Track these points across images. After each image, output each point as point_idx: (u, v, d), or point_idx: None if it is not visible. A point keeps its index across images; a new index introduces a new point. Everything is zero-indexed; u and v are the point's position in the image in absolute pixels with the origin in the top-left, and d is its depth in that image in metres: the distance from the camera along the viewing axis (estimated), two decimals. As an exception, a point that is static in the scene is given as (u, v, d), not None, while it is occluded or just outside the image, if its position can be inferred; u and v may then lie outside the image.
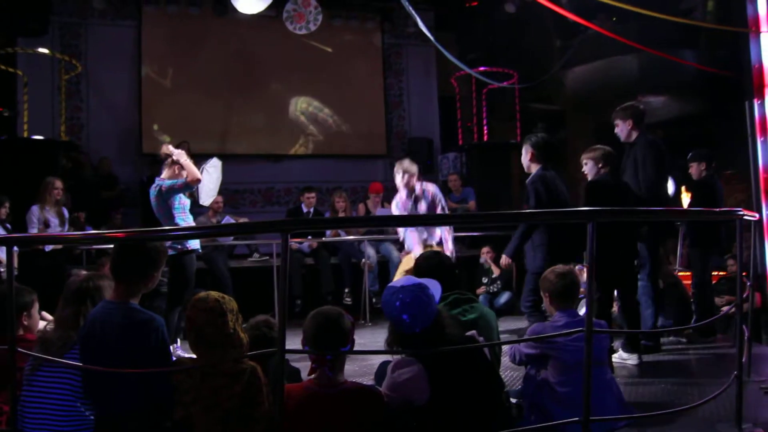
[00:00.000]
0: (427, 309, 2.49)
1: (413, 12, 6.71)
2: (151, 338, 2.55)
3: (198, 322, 2.43)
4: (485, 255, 7.47)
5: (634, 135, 4.69)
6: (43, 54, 7.81)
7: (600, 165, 4.37)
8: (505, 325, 6.50)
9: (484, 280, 7.47)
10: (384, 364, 2.95)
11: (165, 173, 4.82)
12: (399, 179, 5.48)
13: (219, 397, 2.37)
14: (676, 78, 9.44)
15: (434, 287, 2.67)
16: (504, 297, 7.19)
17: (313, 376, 2.41)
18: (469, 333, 2.69)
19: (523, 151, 4.51)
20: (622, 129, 4.77)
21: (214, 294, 2.49)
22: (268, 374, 2.52)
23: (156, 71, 9.41)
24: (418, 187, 5.49)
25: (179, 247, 4.63)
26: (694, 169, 5.60)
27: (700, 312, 5.15)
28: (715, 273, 5.84)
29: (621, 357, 4.29)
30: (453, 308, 3.02)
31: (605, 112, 4.88)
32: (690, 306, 5.34)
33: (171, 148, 4.91)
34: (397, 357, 2.55)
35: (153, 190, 4.74)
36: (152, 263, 2.77)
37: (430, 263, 3.31)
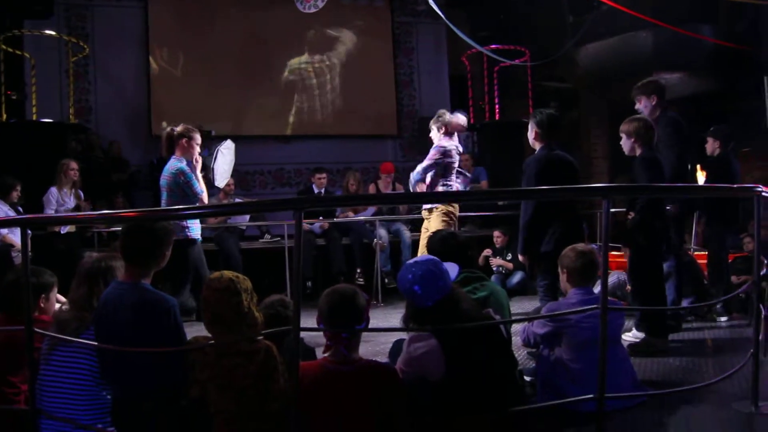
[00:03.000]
0: (439, 282, 2.51)
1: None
2: (163, 318, 2.56)
3: (212, 302, 2.43)
4: (496, 238, 7.43)
5: (658, 112, 4.59)
6: (50, 36, 7.78)
7: (632, 140, 4.19)
8: (518, 305, 6.49)
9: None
10: (398, 342, 2.96)
11: (177, 152, 4.76)
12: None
13: (234, 376, 2.37)
14: (692, 54, 9.24)
15: (452, 268, 2.70)
16: (516, 277, 7.16)
17: (327, 353, 2.41)
18: (485, 311, 2.68)
19: (529, 129, 4.37)
20: (645, 105, 4.64)
21: (228, 273, 2.49)
22: (284, 353, 2.52)
23: (164, 52, 9.36)
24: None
25: (180, 234, 4.55)
26: (709, 145, 5.52)
27: (716, 291, 5.10)
28: (732, 251, 5.77)
29: (634, 335, 4.26)
30: (463, 286, 3.01)
31: (619, 90, 4.76)
32: (704, 285, 5.28)
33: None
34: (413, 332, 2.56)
35: (172, 177, 4.65)
36: (161, 243, 2.76)
37: (444, 245, 3.30)
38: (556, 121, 4.29)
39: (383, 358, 3.31)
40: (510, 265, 7.26)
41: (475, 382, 2.38)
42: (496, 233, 7.44)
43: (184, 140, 4.70)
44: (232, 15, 9.54)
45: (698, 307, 4.99)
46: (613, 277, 5.91)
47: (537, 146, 4.32)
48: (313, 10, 7.09)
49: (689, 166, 9.80)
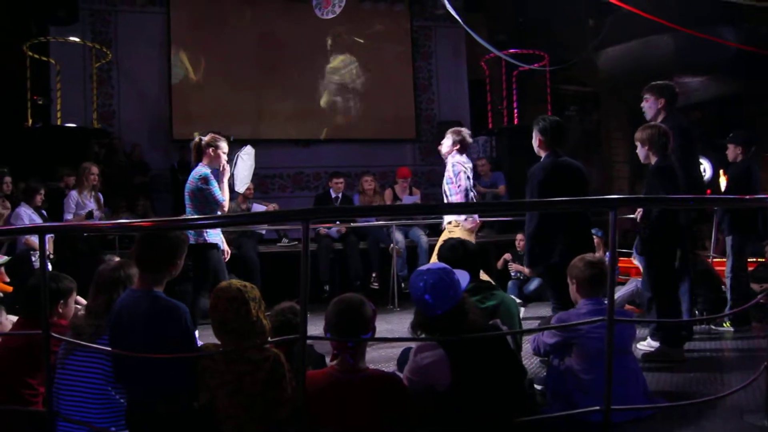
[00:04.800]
0: (449, 292, 2.52)
1: (441, -6, 6.64)
2: (175, 326, 2.60)
3: (221, 311, 2.48)
4: (518, 242, 7.41)
5: (662, 116, 4.51)
6: (75, 42, 7.94)
7: (646, 148, 4.13)
8: (534, 311, 6.48)
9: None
10: (406, 351, 2.97)
11: (204, 160, 4.83)
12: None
13: (243, 383, 2.41)
14: (715, 57, 9.13)
15: (463, 277, 2.69)
16: (534, 283, 7.12)
17: (335, 362, 2.44)
18: (492, 321, 2.69)
19: (533, 135, 4.27)
20: (651, 105, 4.56)
21: (236, 283, 2.53)
22: (293, 360, 2.56)
23: (185, 57, 9.50)
24: (449, 159, 5.34)
25: (197, 238, 4.60)
26: (731, 152, 5.44)
27: (735, 299, 5.02)
28: (753, 259, 5.67)
29: (649, 344, 4.22)
30: (473, 295, 3.02)
31: (640, 94, 4.68)
32: (722, 293, 5.21)
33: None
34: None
35: (195, 182, 4.69)
36: (174, 252, 2.79)
37: (455, 254, 3.31)
38: (560, 127, 4.20)
39: (393, 365, 3.34)
40: (527, 271, 7.24)
41: (481, 392, 2.39)
42: (519, 236, 7.40)
43: (210, 149, 4.77)
44: (251, 21, 9.66)
45: (713, 317, 4.92)
46: (631, 285, 5.87)
47: (542, 154, 4.24)
48: (330, 16, 7.14)
49: (711, 171, 9.71)
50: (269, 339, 2.52)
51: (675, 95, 4.56)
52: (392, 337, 4.16)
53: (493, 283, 3.30)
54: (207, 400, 2.47)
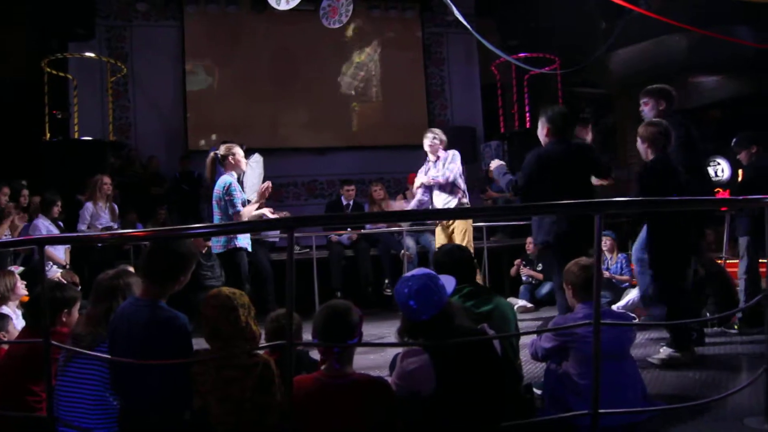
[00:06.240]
0: (434, 297, 2.53)
1: (449, 1, 6.66)
2: (174, 336, 2.63)
3: (211, 317, 2.52)
4: (528, 245, 7.39)
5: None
6: (91, 57, 8.14)
7: (646, 145, 4.14)
8: (545, 314, 6.45)
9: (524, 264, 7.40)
10: (398, 356, 2.99)
11: (227, 169, 4.91)
12: (426, 143, 5.79)
13: (233, 389, 2.45)
14: (729, 56, 9.00)
15: (449, 282, 2.70)
16: (546, 287, 7.09)
17: (323, 367, 2.47)
18: (480, 326, 2.69)
19: (539, 125, 4.31)
20: (651, 108, 4.57)
21: (225, 290, 2.58)
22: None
23: (200, 69, 9.66)
24: (442, 153, 5.76)
25: (228, 244, 4.71)
26: (743, 156, 5.37)
27: (748, 301, 4.93)
28: (765, 260, 5.57)
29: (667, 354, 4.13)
30: (467, 300, 3.03)
31: (639, 98, 4.68)
32: (735, 295, 5.12)
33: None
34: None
35: (221, 191, 4.75)
36: (182, 265, 2.80)
37: (450, 258, 3.32)
38: (567, 115, 4.28)
39: (386, 370, 3.36)
40: (540, 276, 7.21)
41: (466, 397, 2.39)
42: (529, 239, 7.37)
43: (230, 158, 4.88)
44: (264, 31, 9.80)
45: (724, 319, 4.84)
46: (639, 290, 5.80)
47: (546, 141, 4.29)
48: (337, 26, 7.23)
49: (730, 171, 9.53)
50: (257, 345, 2.55)
51: (673, 98, 4.55)
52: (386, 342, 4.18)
53: (487, 287, 3.29)
54: (200, 406, 2.51)
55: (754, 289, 5.06)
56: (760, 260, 5.13)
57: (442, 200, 5.72)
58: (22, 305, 4.92)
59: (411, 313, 2.53)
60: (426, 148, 5.82)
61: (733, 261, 5.73)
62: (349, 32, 10.03)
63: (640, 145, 4.18)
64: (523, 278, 7.35)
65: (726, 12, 8.59)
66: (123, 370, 2.66)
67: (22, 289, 4.54)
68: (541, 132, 4.31)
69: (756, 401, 3.02)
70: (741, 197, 4.24)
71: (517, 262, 7.50)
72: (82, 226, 6.25)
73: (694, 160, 4.42)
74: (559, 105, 4.43)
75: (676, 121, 4.39)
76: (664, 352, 4.12)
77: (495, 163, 4.62)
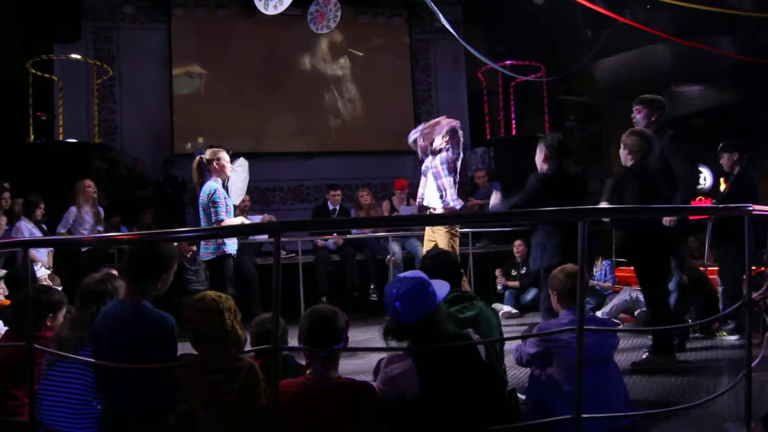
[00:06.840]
0: (420, 301, 2.52)
1: (436, 9, 6.71)
2: (159, 337, 2.62)
3: (196, 322, 2.52)
4: (517, 248, 7.41)
5: (652, 128, 4.55)
6: (77, 59, 8.08)
7: (627, 152, 4.23)
8: (529, 320, 6.47)
9: (513, 272, 7.41)
10: (382, 361, 2.99)
11: (213, 174, 4.89)
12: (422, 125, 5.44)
13: (218, 393, 2.45)
14: (712, 66, 9.15)
15: (441, 288, 2.70)
16: (530, 294, 7.12)
17: (308, 371, 2.47)
18: (465, 331, 2.71)
19: (537, 151, 4.48)
20: (644, 117, 4.65)
21: (211, 294, 2.57)
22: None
23: (186, 72, 9.63)
24: (438, 140, 5.33)
25: (217, 251, 4.70)
26: (725, 161, 5.44)
27: (736, 308, 4.98)
28: (753, 268, 5.64)
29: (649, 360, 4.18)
30: (452, 305, 3.04)
31: (632, 105, 4.76)
32: (717, 301, 5.19)
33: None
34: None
35: (206, 197, 4.72)
36: (163, 265, 2.80)
37: (437, 263, 3.33)
38: (565, 145, 4.50)
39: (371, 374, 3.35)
40: (516, 284, 7.24)
41: (450, 402, 2.41)
42: (517, 242, 7.40)
43: (214, 163, 4.86)
44: (251, 36, 9.78)
45: (706, 326, 4.91)
46: (625, 294, 5.87)
47: (544, 168, 4.44)
48: (325, 31, 7.26)
49: (712, 180, 9.65)
50: (243, 349, 2.55)
51: (665, 110, 4.66)
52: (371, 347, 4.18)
53: (473, 293, 3.32)
54: (184, 410, 2.50)
55: (738, 297, 5.11)
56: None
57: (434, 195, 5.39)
58: (2, 309, 4.87)
59: (395, 314, 2.53)
60: (417, 149, 5.51)
61: (713, 268, 5.81)
62: (333, 50, 10.08)
63: (622, 152, 4.26)
64: (499, 288, 7.37)
65: (709, 23, 8.73)
66: (107, 371, 2.64)
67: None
68: (539, 157, 4.47)
69: (735, 406, 3.07)
70: (721, 206, 4.30)
71: (497, 272, 7.50)
72: (62, 230, 6.18)
73: (679, 170, 4.49)
74: (546, 125, 4.61)
75: (664, 134, 4.48)
76: (647, 358, 4.17)
77: (494, 202, 4.72)
